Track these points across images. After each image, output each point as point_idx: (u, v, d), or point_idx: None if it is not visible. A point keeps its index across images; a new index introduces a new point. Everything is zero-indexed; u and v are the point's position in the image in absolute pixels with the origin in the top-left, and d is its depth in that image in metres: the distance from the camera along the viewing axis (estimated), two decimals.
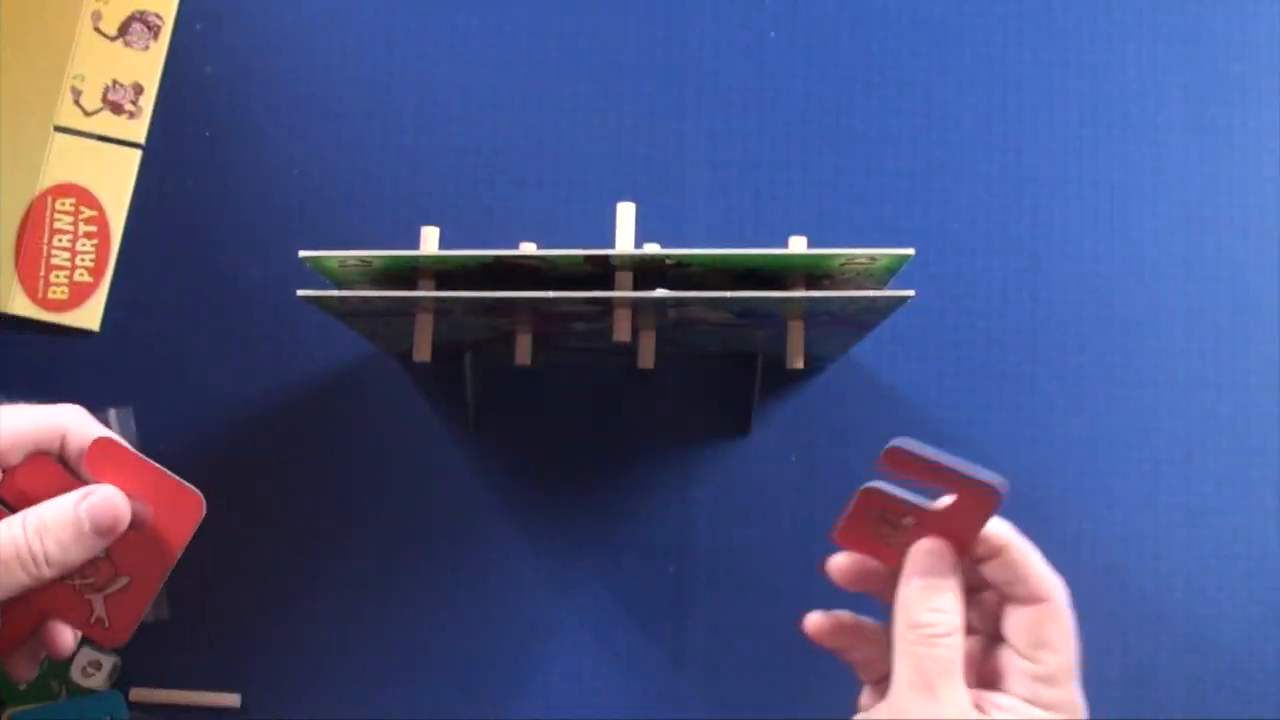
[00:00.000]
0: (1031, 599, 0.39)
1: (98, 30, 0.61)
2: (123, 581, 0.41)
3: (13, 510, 0.39)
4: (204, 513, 0.42)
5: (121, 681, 0.57)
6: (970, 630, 0.40)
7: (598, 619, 0.58)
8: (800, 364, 0.49)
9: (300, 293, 0.45)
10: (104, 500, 0.40)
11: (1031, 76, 0.62)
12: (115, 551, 0.41)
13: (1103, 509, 0.59)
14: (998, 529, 0.39)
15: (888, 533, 0.39)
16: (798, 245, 0.47)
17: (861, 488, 0.39)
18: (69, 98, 0.60)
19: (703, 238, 0.60)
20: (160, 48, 0.61)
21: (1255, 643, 0.58)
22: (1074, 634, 0.39)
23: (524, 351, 0.51)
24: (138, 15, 0.61)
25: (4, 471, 0.40)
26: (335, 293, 0.45)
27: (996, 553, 0.39)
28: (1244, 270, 0.61)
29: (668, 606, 0.58)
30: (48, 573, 0.39)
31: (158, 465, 0.41)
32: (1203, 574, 0.59)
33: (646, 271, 0.45)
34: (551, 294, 0.43)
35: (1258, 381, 0.60)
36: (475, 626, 0.58)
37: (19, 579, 0.38)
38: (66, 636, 0.42)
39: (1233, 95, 0.62)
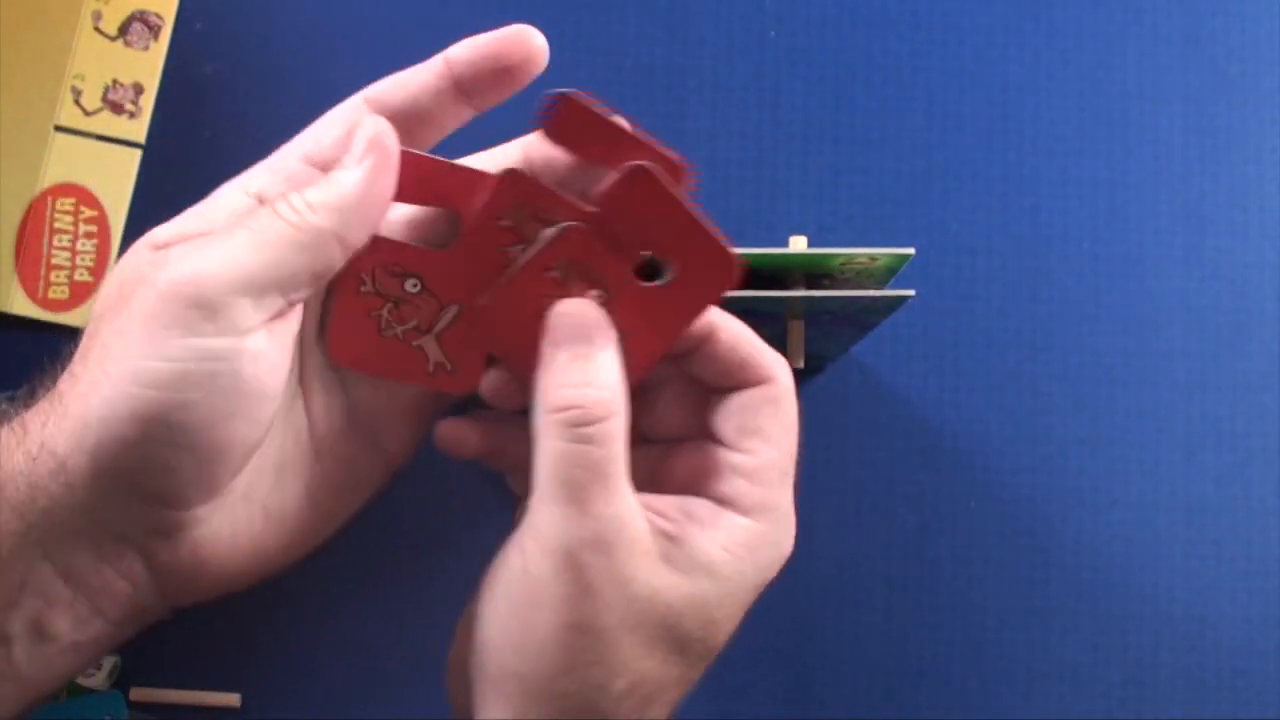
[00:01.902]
0: (753, 379, 0.32)
1: (98, 30, 0.61)
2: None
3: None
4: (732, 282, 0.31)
5: (121, 681, 0.57)
6: (663, 434, 0.32)
7: None
8: (800, 364, 0.49)
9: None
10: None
11: (1031, 76, 0.62)
12: (613, 306, 0.30)
13: (1103, 509, 0.59)
14: (704, 319, 0.31)
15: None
16: (798, 245, 0.47)
17: (502, 170, 0.30)
18: (69, 98, 0.60)
19: None
20: (160, 48, 0.61)
21: (1255, 643, 0.58)
22: (795, 428, 0.32)
23: None
24: (138, 15, 0.61)
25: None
26: None
27: (698, 344, 0.31)
28: (1244, 270, 0.61)
29: None
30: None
31: (691, 208, 0.30)
32: (1203, 574, 0.59)
33: None
34: None
35: (1258, 381, 0.60)
36: None
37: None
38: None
39: (1233, 95, 0.62)
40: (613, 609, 0.28)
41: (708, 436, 0.32)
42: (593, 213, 0.30)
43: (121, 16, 0.61)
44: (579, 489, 0.28)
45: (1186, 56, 0.62)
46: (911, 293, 0.44)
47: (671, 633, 0.29)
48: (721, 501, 0.31)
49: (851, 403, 0.60)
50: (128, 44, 0.61)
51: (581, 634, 0.28)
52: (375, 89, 0.33)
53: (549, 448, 0.28)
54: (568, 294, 0.30)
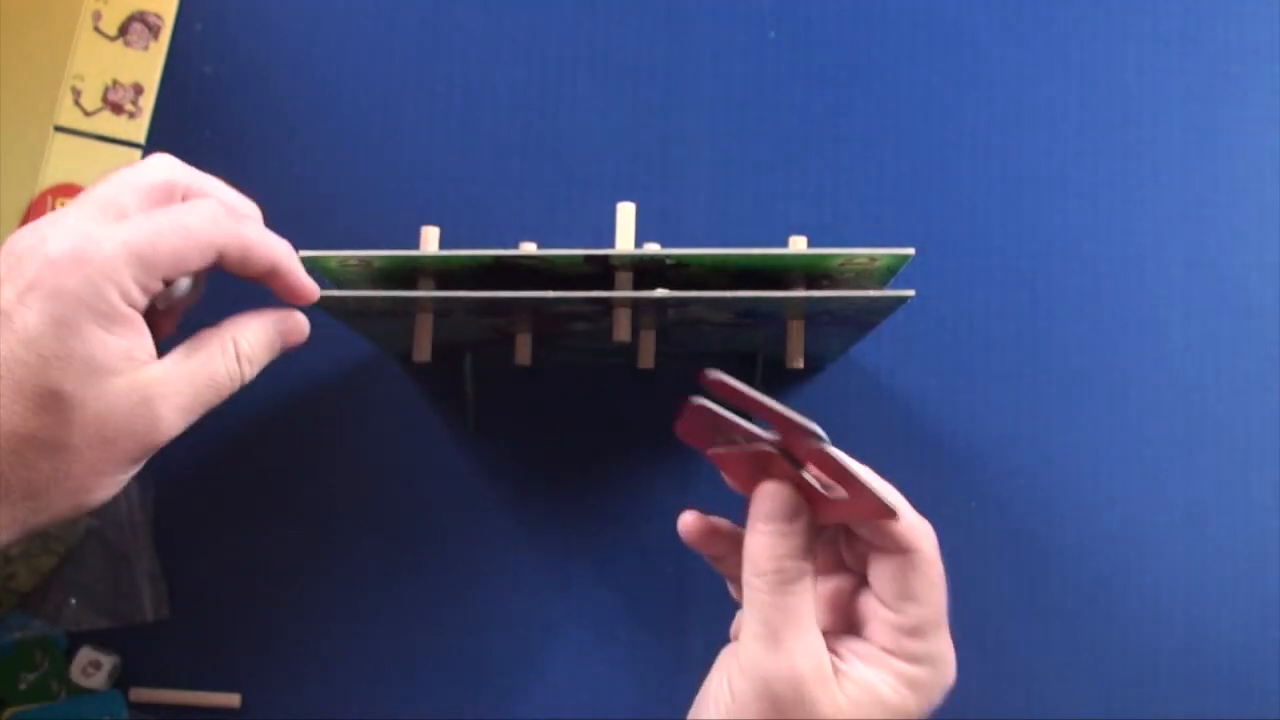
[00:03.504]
0: (896, 549, 0.37)
1: (98, 30, 0.61)
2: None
3: None
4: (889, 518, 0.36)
5: (121, 681, 0.57)
6: (841, 569, 0.39)
7: (598, 619, 0.58)
8: (800, 364, 0.49)
9: None
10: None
11: (1031, 76, 0.62)
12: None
13: (1103, 509, 0.59)
14: (858, 473, 0.36)
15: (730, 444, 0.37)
16: (798, 245, 0.47)
17: (689, 401, 0.36)
18: (69, 98, 0.60)
19: (702, 238, 0.60)
20: (160, 48, 0.61)
21: (1255, 643, 0.58)
22: (942, 584, 0.37)
23: (524, 351, 0.51)
24: (138, 15, 0.61)
25: None
26: (335, 292, 0.45)
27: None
28: (1244, 270, 0.61)
29: (668, 606, 0.58)
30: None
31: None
32: (1203, 574, 0.59)
33: (646, 271, 0.45)
34: (551, 294, 0.43)
35: (1258, 381, 0.60)
36: (475, 626, 0.58)
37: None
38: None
39: (1233, 95, 0.62)
40: None
41: (864, 583, 0.38)
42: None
43: (121, 16, 0.61)
44: (777, 630, 0.35)
45: (1186, 56, 0.62)
46: (911, 293, 0.44)
47: None
48: (886, 650, 0.36)
49: (851, 403, 0.60)
50: (128, 44, 0.61)
51: None
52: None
53: (757, 599, 0.36)
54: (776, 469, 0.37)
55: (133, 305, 0.35)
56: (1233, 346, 0.60)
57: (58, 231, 0.34)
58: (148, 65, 0.61)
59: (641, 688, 0.58)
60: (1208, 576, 0.59)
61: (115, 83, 0.61)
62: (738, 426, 0.36)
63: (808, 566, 0.36)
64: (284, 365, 0.59)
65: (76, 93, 0.60)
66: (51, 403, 0.33)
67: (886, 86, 0.62)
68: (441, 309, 0.47)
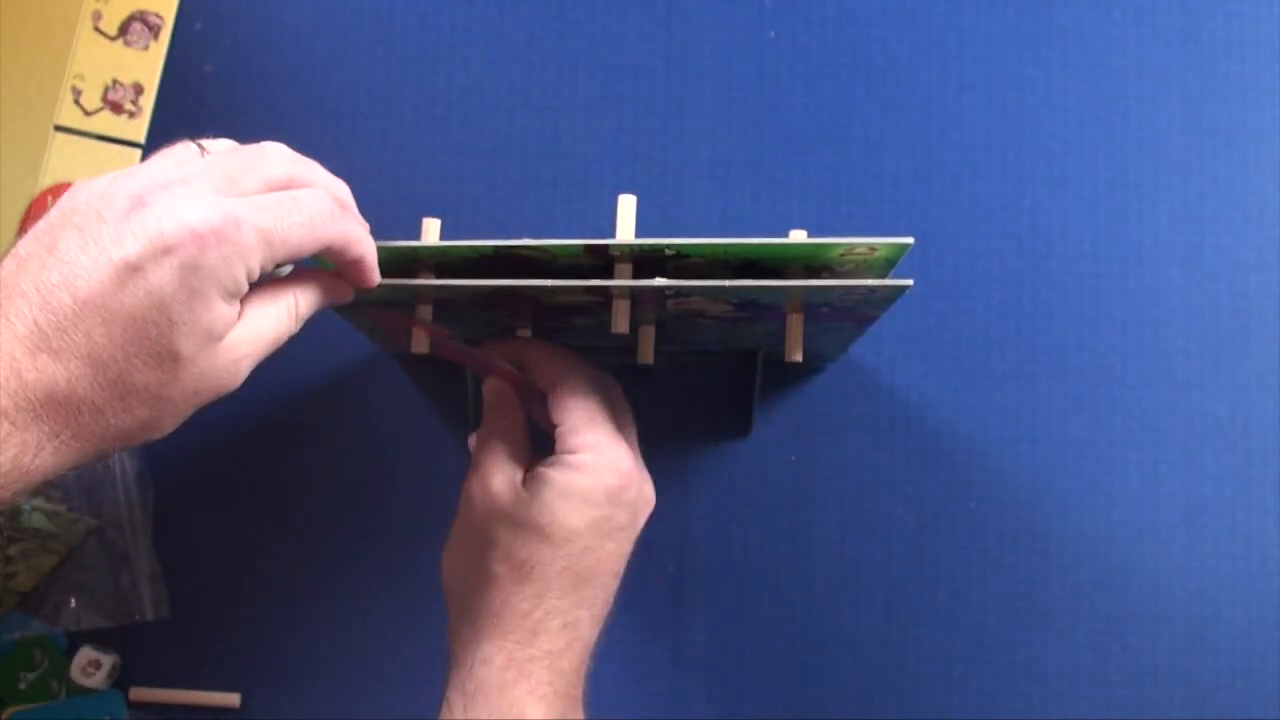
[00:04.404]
0: (551, 387, 0.48)
1: (98, 30, 0.61)
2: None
3: None
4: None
5: (121, 681, 0.57)
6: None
7: None
8: (799, 357, 0.49)
9: None
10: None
11: (1031, 76, 0.62)
12: None
13: (1103, 509, 0.59)
14: (514, 349, 0.50)
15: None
16: (798, 238, 0.47)
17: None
18: (69, 98, 0.60)
19: (702, 236, 0.60)
20: (160, 48, 0.61)
21: (1255, 643, 0.58)
22: (591, 396, 0.48)
23: None
24: (138, 15, 0.61)
25: None
26: None
27: (521, 364, 0.50)
28: (1244, 270, 0.61)
29: (668, 606, 0.58)
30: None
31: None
32: (1203, 574, 0.59)
33: (646, 264, 0.45)
34: (550, 282, 0.43)
35: (1258, 381, 0.60)
36: None
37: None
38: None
39: (1233, 95, 0.62)
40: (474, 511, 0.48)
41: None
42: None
43: (121, 16, 0.61)
44: (479, 462, 0.49)
45: (1186, 56, 0.62)
46: (910, 282, 0.43)
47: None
48: (557, 452, 0.48)
49: (851, 403, 0.60)
50: (128, 44, 0.61)
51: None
52: None
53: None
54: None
55: (250, 282, 0.37)
56: (1233, 346, 0.60)
57: (193, 197, 0.36)
58: (148, 65, 0.61)
59: (641, 688, 0.58)
60: (1208, 576, 0.59)
61: (115, 82, 0.61)
62: (465, 354, 0.50)
63: (497, 429, 0.49)
64: (284, 365, 0.59)
65: (76, 92, 0.60)
66: (169, 361, 0.35)
67: (886, 86, 0.62)
68: (442, 301, 0.47)
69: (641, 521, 0.49)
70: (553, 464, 0.47)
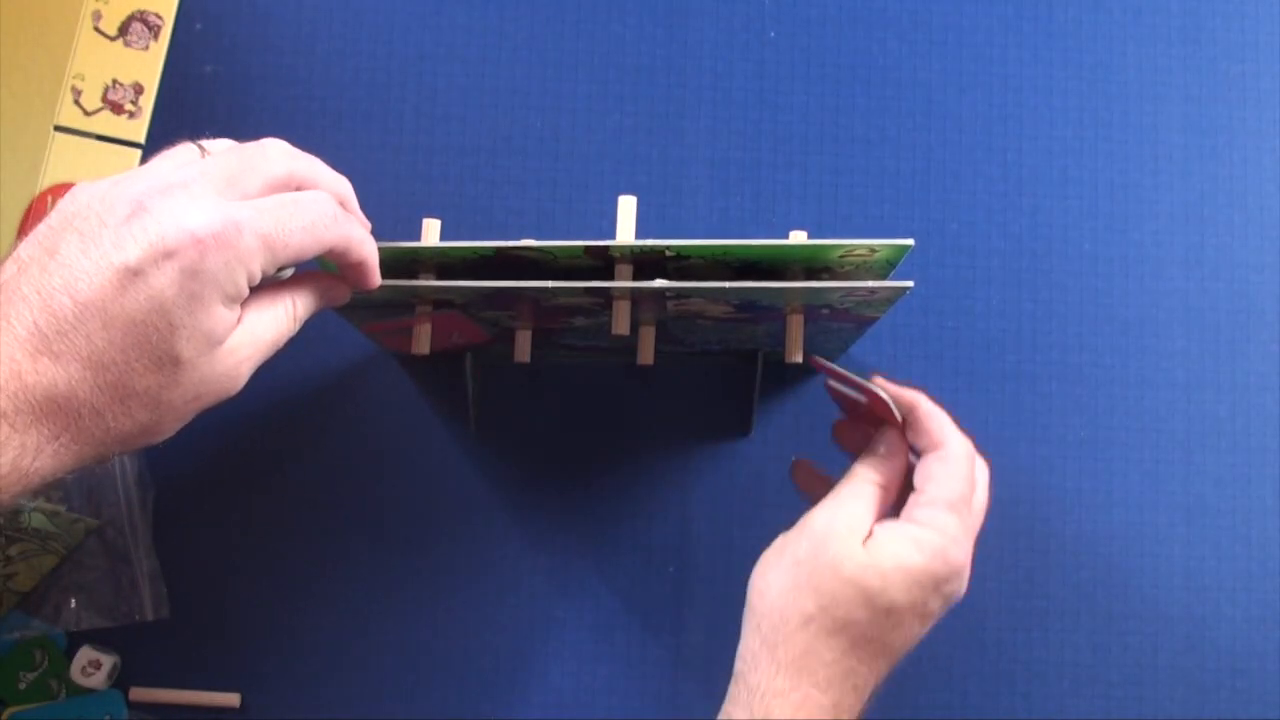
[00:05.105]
0: (929, 446, 0.46)
1: (98, 30, 0.61)
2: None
3: None
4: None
5: (121, 681, 0.57)
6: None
7: (598, 619, 0.58)
8: (799, 358, 0.49)
9: None
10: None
11: (1031, 76, 0.62)
12: None
13: (1103, 509, 0.59)
14: (907, 395, 0.47)
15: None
16: (798, 240, 0.47)
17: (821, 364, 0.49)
18: (69, 98, 0.60)
19: (703, 237, 0.60)
20: (160, 48, 0.61)
21: (1255, 643, 0.58)
22: (965, 480, 0.45)
23: (524, 348, 0.51)
24: (138, 15, 0.61)
25: None
26: None
27: (909, 410, 0.47)
28: (1244, 270, 0.61)
29: (668, 606, 0.58)
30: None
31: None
32: (1203, 574, 0.59)
33: (646, 265, 0.45)
34: (551, 283, 0.43)
35: (1258, 381, 0.60)
36: (475, 626, 0.58)
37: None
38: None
39: (1233, 95, 0.62)
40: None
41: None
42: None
43: (121, 16, 0.61)
44: (834, 497, 0.47)
45: (1186, 56, 0.62)
46: (910, 284, 0.44)
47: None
48: (905, 520, 0.45)
49: None
50: (128, 44, 0.61)
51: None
52: None
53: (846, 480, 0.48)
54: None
55: (251, 286, 0.37)
56: (1233, 346, 0.60)
57: (194, 201, 0.35)
58: (148, 65, 0.61)
59: (641, 688, 0.58)
60: (1207, 576, 0.59)
61: (115, 82, 0.61)
62: (849, 379, 0.48)
63: (876, 478, 0.46)
64: (284, 366, 0.59)
65: (76, 92, 0.60)
66: (169, 365, 0.35)
67: (886, 86, 0.62)
68: (442, 302, 0.47)
69: (945, 612, 0.47)
70: (898, 534, 0.45)
